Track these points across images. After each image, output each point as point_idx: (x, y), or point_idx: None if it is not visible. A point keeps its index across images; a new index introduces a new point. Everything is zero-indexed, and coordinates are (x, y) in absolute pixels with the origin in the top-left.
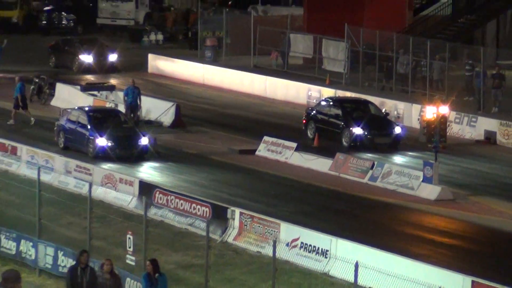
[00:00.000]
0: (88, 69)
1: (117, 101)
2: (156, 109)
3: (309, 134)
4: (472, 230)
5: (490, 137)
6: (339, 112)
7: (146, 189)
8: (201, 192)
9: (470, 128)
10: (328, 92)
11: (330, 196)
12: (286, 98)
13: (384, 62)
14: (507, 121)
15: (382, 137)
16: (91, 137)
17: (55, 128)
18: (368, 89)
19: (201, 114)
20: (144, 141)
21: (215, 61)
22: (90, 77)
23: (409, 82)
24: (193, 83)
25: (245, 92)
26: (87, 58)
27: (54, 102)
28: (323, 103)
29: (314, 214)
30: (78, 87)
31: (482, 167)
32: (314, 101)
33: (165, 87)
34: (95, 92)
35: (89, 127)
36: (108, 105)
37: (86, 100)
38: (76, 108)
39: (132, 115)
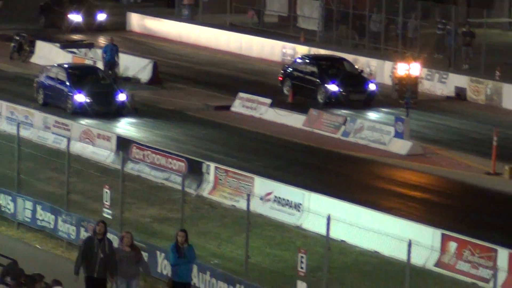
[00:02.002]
0: (77, 29)
1: (95, 58)
2: (134, 66)
3: (285, 91)
4: (442, 184)
5: (460, 94)
6: (314, 69)
7: (123, 144)
8: (177, 147)
9: (441, 84)
10: (303, 49)
11: (303, 151)
12: (261, 55)
13: (358, 20)
14: (477, 77)
15: (357, 94)
16: (69, 94)
17: (35, 84)
18: (342, 47)
19: (178, 71)
20: (121, 97)
21: (192, 19)
22: (78, 36)
23: (381, 40)
24: (170, 41)
25: (221, 50)
26: (76, 18)
27: (34, 59)
28: (299, 60)
29: (288, 168)
30: (58, 44)
31: (452, 122)
32: (289, 58)
33: (143, 45)
34: (74, 50)
35: (67, 83)
36: (87, 62)
37: (65, 58)
38: (56, 65)
39: (110, 72)
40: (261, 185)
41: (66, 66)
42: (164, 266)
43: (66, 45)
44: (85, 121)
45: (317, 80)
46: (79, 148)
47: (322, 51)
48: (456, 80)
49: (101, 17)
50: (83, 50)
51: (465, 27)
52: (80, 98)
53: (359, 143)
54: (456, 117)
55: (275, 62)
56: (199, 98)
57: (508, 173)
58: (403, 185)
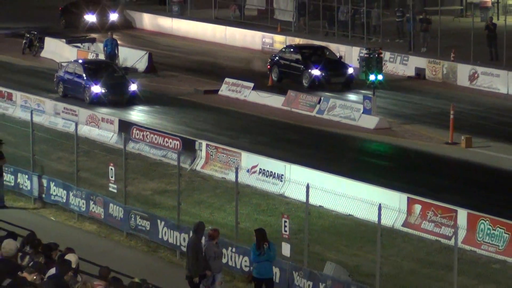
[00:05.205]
0: (92, 28)
1: (97, 51)
2: (131, 57)
3: (273, 77)
4: (406, 153)
5: (420, 73)
6: (299, 57)
7: (125, 126)
8: (172, 127)
9: (402, 66)
10: (280, 38)
11: (283, 128)
12: (244, 44)
13: (327, 11)
14: (434, 59)
15: (337, 77)
16: (87, 86)
17: (55, 79)
18: (314, 35)
19: (170, 60)
20: (133, 87)
21: (182, 14)
22: (94, 35)
23: (349, 28)
24: (163, 34)
25: (208, 41)
26: (91, 18)
27: (43, 54)
28: (284, 50)
29: (270, 144)
30: (64, 40)
31: (413, 99)
32: (268, 47)
33: (139, 38)
34: (79, 44)
35: (85, 77)
36: (89, 55)
37: (71, 52)
38: (72, 61)
39: None
40: (248, 159)
41: (81, 61)
42: (164, 233)
43: (71, 40)
44: (103, 110)
45: (302, 66)
46: (86, 131)
47: (297, 40)
48: (416, 62)
49: (113, 16)
50: (86, 44)
51: (422, 15)
52: (96, 89)
53: (332, 119)
54: (417, 94)
55: (256, 50)
56: (190, 84)
57: (464, 143)
58: (373, 156)
